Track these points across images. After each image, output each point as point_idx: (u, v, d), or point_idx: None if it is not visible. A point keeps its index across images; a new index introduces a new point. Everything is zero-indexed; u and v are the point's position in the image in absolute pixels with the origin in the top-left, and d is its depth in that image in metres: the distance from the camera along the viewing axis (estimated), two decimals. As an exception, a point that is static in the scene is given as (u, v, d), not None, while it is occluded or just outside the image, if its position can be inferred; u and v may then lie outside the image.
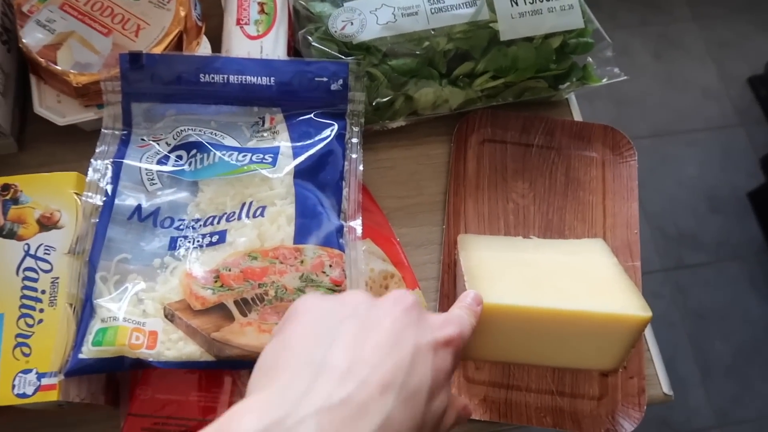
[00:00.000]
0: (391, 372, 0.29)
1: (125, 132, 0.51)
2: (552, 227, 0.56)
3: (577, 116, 0.61)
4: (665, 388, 0.51)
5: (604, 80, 0.59)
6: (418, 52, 0.54)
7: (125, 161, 0.49)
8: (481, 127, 0.59)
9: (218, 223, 0.47)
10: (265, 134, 0.52)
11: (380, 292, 0.51)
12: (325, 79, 0.52)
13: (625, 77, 0.59)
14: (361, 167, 0.52)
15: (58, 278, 0.43)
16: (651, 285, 1.51)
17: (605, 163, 0.59)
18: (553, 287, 0.48)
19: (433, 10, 0.54)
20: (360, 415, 0.27)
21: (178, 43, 0.54)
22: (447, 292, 0.53)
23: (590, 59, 0.59)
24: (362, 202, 0.51)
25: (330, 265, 0.46)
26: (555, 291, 0.47)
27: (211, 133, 0.51)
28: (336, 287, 0.45)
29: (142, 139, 0.51)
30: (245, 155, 0.49)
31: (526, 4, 0.55)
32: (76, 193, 0.46)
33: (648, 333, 0.53)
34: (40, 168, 0.56)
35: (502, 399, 0.50)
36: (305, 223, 0.47)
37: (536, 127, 0.60)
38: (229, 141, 0.51)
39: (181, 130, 0.51)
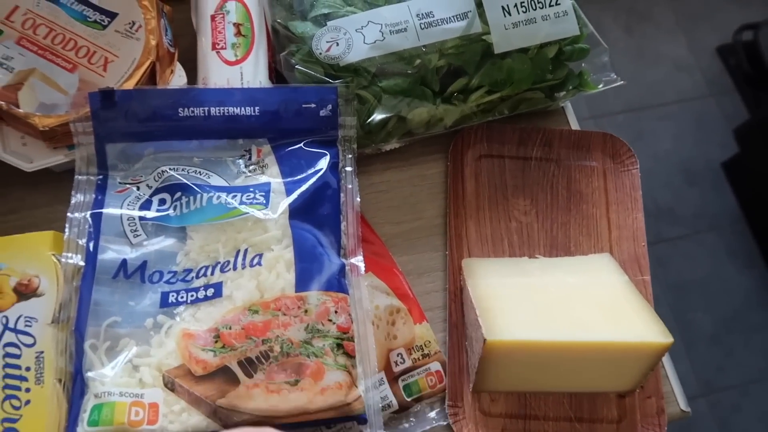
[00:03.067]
0: None
1: (101, 176, 0.47)
2: (557, 244, 0.54)
3: (574, 124, 0.59)
4: (682, 404, 0.50)
5: (601, 86, 0.57)
6: (409, 71, 0.51)
7: (104, 211, 0.45)
8: (476, 142, 0.57)
9: (212, 273, 0.44)
10: (253, 169, 0.48)
11: (387, 329, 0.49)
12: (312, 105, 0.49)
13: (622, 82, 0.57)
14: (358, 198, 0.49)
15: (42, 352, 0.39)
16: (635, 265, 1.51)
17: (606, 172, 0.57)
18: (567, 316, 0.46)
19: (422, 26, 0.51)
20: None
21: (151, 75, 0.50)
22: (455, 321, 0.51)
23: (584, 65, 0.56)
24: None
25: (335, 311, 0.43)
26: (569, 320, 0.46)
27: (195, 171, 0.48)
28: (344, 335, 0.43)
29: (120, 183, 0.47)
30: (235, 196, 0.46)
31: (519, 13, 0.52)
32: (54, 254, 0.42)
33: (661, 348, 0.52)
34: (9, 215, 0.52)
35: (520, 430, 0.49)
36: (306, 268, 0.44)
37: (533, 138, 0.57)
38: (215, 180, 0.47)
39: (163, 171, 0.47)
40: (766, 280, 1.55)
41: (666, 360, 0.51)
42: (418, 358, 0.49)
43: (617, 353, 0.45)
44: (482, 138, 0.57)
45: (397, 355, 0.48)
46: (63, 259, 0.42)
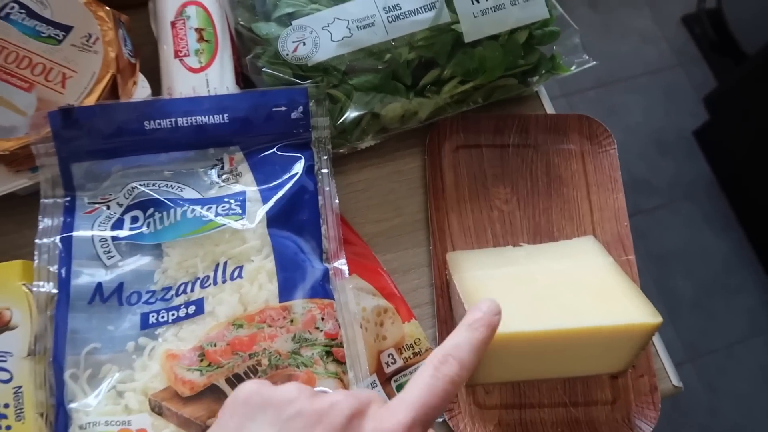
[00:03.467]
0: None
1: (68, 198, 0.45)
2: (540, 230, 0.54)
3: (549, 108, 0.59)
4: (674, 380, 0.51)
5: (573, 68, 0.56)
6: (380, 67, 0.50)
7: (75, 234, 0.43)
8: (453, 133, 0.56)
9: (192, 290, 0.42)
10: (226, 178, 0.47)
11: (376, 330, 0.48)
12: (283, 109, 0.48)
13: (594, 62, 0.57)
14: (336, 200, 0.48)
15: (20, 387, 0.38)
16: (616, 239, 1.53)
17: (584, 154, 0.57)
18: (555, 303, 0.46)
19: (390, 19, 0.49)
20: None
21: (112, 89, 0.48)
22: (444, 317, 0.50)
23: (556, 48, 0.56)
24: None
25: (322, 318, 0.42)
26: (559, 308, 0.45)
27: (167, 185, 0.46)
28: (332, 341, 0.42)
29: (89, 203, 0.45)
30: (209, 207, 0.45)
31: (487, 0, 0.51)
32: (24, 283, 0.40)
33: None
34: (-25, 245, 0.50)
35: (516, 420, 0.48)
36: (288, 277, 0.43)
37: (510, 126, 0.57)
38: (188, 192, 0.46)
39: (133, 188, 0.45)
40: (742, 243, 1.58)
41: (656, 338, 0.52)
42: (409, 357, 0.48)
43: (608, 336, 0.44)
44: (458, 129, 0.56)
45: (388, 356, 0.48)
46: (34, 288, 0.40)
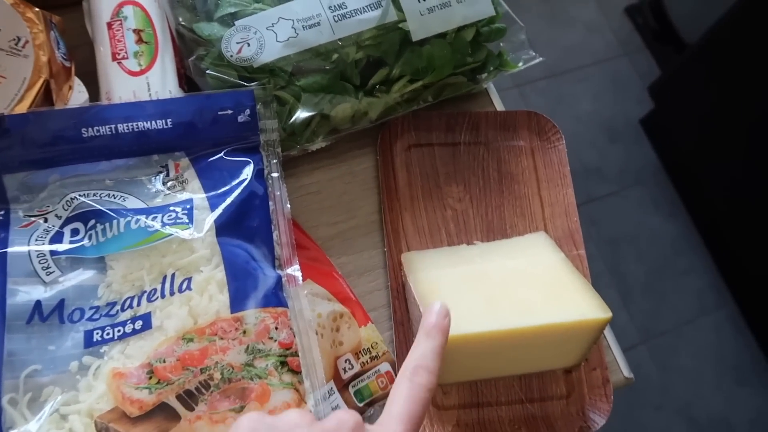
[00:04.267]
0: None
1: (1, 212, 0.43)
2: (493, 228, 0.54)
3: (499, 105, 0.59)
4: (625, 372, 0.52)
5: (521, 65, 0.57)
6: (327, 67, 0.49)
7: (9, 250, 0.41)
8: (404, 132, 0.56)
9: (138, 304, 0.41)
10: (172, 185, 0.45)
11: (332, 336, 0.47)
12: (229, 112, 0.46)
13: (541, 59, 0.57)
14: (288, 205, 0.47)
15: (-45, 416, 0.36)
16: (569, 227, 1.56)
17: (534, 150, 0.57)
18: (509, 301, 0.46)
19: (336, 18, 0.48)
20: None
21: (46, 94, 0.45)
22: (401, 318, 0.50)
23: (502, 45, 0.56)
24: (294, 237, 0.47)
25: (276, 328, 0.41)
26: (512, 306, 0.46)
27: (108, 195, 0.44)
28: (287, 351, 0.41)
29: (25, 216, 0.43)
30: (155, 217, 0.43)
31: (433, -3, 0.50)
32: (-45, 305, 0.38)
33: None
34: None
35: (474, 419, 0.49)
36: (240, 287, 0.42)
37: (460, 123, 0.57)
38: (132, 202, 0.44)
39: (72, 198, 0.43)
40: (688, 226, 1.63)
41: (607, 331, 0.53)
42: (367, 362, 0.48)
43: (560, 333, 0.45)
44: (409, 127, 0.56)
45: (345, 362, 0.47)
46: (-33, 311, 0.38)
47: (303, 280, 0.46)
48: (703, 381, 1.48)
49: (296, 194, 0.53)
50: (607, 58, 1.83)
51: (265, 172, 0.47)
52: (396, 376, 0.48)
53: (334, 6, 0.49)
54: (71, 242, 0.42)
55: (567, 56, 1.80)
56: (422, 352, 0.34)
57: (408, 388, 0.32)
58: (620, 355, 0.52)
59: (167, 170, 0.46)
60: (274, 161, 0.48)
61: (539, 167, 0.57)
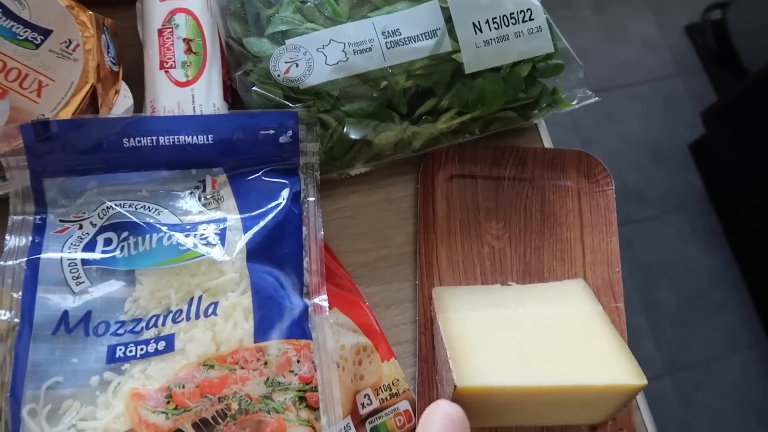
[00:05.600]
0: None
1: (39, 216, 0.43)
2: (530, 270, 0.53)
3: (547, 141, 0.57)
4: (654, 435, 0.50)
5: (575, 103, 0.54)
6: (375, 94, 0.47)
7: (42, 256, 0.41)
8: (448, 161, 0.54)
9: (163, 324, 0.40)
10: (207, 203, 0.45)
11: (354, 369, 0.46)
12: (271, 132, 0.46)
13: (597, 98, 0.55)
14: (321, 231, 0.46)
15: (-25, 423, 0.36)
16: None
17: (581, 192, 0.55)
18: (540, 355, 0.45)
19: (388, 45, 0.47)
20: None
21: (92, 99, 0.45)
22: (425, 356, 0.49)
23: (558, 81, 0.54)
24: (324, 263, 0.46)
25: (298, 360, 0.41)
26: (543, 360, 0.44)
27: (144, 207, 0.44)
28: (307, 386, 0.40)
29: (61, 221, 0.43)
30: (188, 235, 0.43)
31: (491, 30, 0.49)
32: (-15, 310, 0.38)
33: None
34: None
35: (491, 468, 0.47)
36: (266, 316, 0.41)
37: (507, 157, 0.55)
38: (165, 216, 0.44)
39: (108, 207, 0.43)
40: (727, 259, 1.58)
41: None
42: (386, 398, 0.47)
43: (591, 394, 0.43)
44: (454, 157, 0.54)
45: (364, 397, 0.46)
46: (-4, 316, 0.38)
47: (330, 308, 0.45)
48: (725, 421, 1.44)
49: (330, 217, 0.52)
50: (661, 77, 1.78)
51: (302, 195, 0.46)
52: (414, 416, 0.47)
53: (388, 32, 0.47)
54: (103, 252, 0.42)
55: (619, 72, 1.75)
56: None
57: None
58: (649, 419, 0.50)
59: (204, 186, 0.46)
60: (312, 185, 0.47)
61: (584, 211, 0.55)
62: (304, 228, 0.46)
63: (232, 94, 0.51)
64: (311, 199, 0.47)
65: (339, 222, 0.52)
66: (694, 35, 1.82)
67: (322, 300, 0.44)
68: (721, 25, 1.74)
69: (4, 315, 0.39)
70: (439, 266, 0.52)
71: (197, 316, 0.40)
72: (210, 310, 0.41)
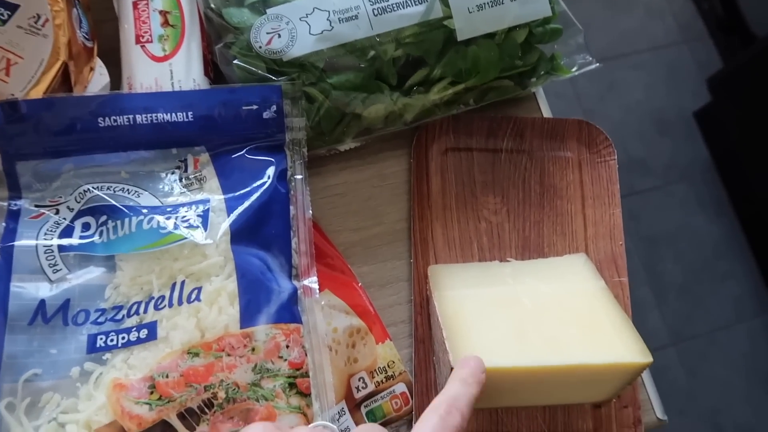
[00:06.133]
0: None
1: (14, 201, 0.41)
2: (530, 245, 0.51)
3: (546, 110, 0.54)
4: (659, 413, 0.48)
5: (575, 69, 0.52)
6: (362, 65, 0.45)
7: (17, 244, 0.39)
8: (442, 134, 0.52)
9: (145, 311, 0.39)
10: (189, 183, 0.43)
11: (347, 352, 0.45)
12: (254, 107, 0.43)
13: (598, 64, 0.52)
14: (310, 210, 0.44)
15: (-50, 419, 0.35)
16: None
17: (582, 163, 0.53)
18: (540, 334, 0.43)
19: (375, 12, 0.44)
20: None
21: (64, 77, 0.43)
22: (422, 336, 0.47)
23: (556, 47, 0.51)
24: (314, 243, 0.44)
25: (287, 346, 0.39)
26: (543, 339, 0.42)
27: (123, 189, 0.42)
28: (297, 371, 0.39)
29: (36, 207, 0.41)
30: (169, 217, 0.41)
31: (484, -8, 0.46)
32: (-43, 302, 0.37)
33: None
34: None
35: (492, 449, 0.46)
36: (252, 300, 0.39)
37: (504, 128, 0.53)
38: (146, 198, 0.42)
39: (85, 190, 0.41)
40: (733, 229, 1.56)
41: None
42: (381, 381, 0.45)
43: (594, 372, 0.42)
44: (448, 129, 0.52)
45: (359, 380, 0.45)
46: (-33, 309, 0.37)
47: (320, 290, 0.43)
48: (732, 390, 1.43)
49: (320, 195, 0.50)
50: (665, 44, 1.73)
51: (289, 173, 0.44)
52: (412, 398, 0.46)
53: (375, -3, 0.44)
54: (81, 237, 0.40)
55: (622, 40, 1.70)
56: (457, 394, 0.34)
57: (440, 425, 0.32)
58: (655, 395, 0.48)
59: (186, 165, 0.44)
60: (299, 162, 0.45)
61: (586, 182, 0.52)
62: (291, 207, 0.44)
63: (213, 68, 0.48)
64: (298, 176, 0.45)
65: (330, 200, 0.50)
66: (699, 0, 1.77)
67: (312, 282, 0.42)
68: (727, -11, 1.69)
69: (-24, 306, 0.37)
70: (434, 243, 0.50)
71: (180, 302, 0.39)
72: (193, 296, 0.39)
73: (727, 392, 1.42)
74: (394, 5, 0.45)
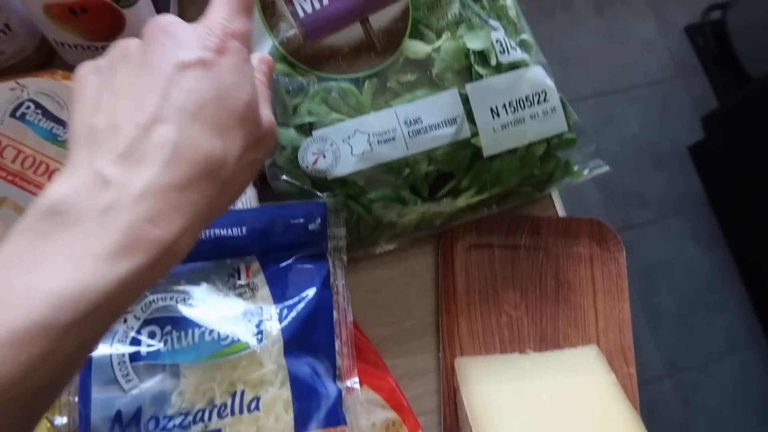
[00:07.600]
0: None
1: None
2: (546, 338, 0.55)
3: (561, 209, 0.59)
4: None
5: (586, 172, 0.57)
6: (398, 181, 0.50)
7: (94, 355, 0.44)
8: (466, 233, 0.57)
9: (209, 419, 0.43)
10: (243, 291, 0.47)
11: (384, 444, 0.49)
12: (301, 221, 0.48)
13: (607, 168, 0.57)
14: (350, 316, 0.48)
15: None
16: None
17: (593, 259, 0.58)
18: (557, 429, 0.47)
19: (410, 133, 0.49)
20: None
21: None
22: (450, 425, 0.52)
23: (570, 153, 0.56)
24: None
25: (334, 448, 0.43)
26: (562, 435, 0.47)
27: (183, 300, 0.46)
28: (343, 472, 0.43)
29: (107, 315, 0.45)
30: (228, 329, 0.45)
31: (507, 114, 0.51)
32: (46, 416, 0.41)
33: None
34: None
35: None
36: (303, 407, 0.44)
37: (522, 227, 0.57)
38: (204, 307, 0.46)
39: (150, 301, 0.46)
40: (726, 262, 1.61)
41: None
42: (415, 470, 0.50)
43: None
44: (471, 228, 0.57)
45: (395, 469, 0.49)
46: (56, 422, 0.41)
47: (360, 386, 0.47)
48: (724, 420, 1.48)
49: (355, 291, 0.54)
50: (661, 79, 1.79)
51: (332, 279, 0.49)
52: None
53: (410, 121, 0.49)
54: (148, 346, 0.45)
55: (619, 75, 1.76)
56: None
57: None
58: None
59: (239, 273, 0.48)
60: (340, 267, 0.49)
61: (597, 277, 0.57)
62: (334, 312, 0.48)
63: (260, 179, 0.53)
64: (340, 282, 0.49)
65: (365, 296, 0.55)
66: (693, 36, 1.83)
67: (353, 382, 0.47)
68: (720, 26, 1.74)
69: (60, 420, 0.41)
70: (460, 336, 0.54)
71: (241, 411, 0.43)
72: (253, 406, 0.43)
73: (721, 422, 1.47)
74: (427, 127, 0.49)
